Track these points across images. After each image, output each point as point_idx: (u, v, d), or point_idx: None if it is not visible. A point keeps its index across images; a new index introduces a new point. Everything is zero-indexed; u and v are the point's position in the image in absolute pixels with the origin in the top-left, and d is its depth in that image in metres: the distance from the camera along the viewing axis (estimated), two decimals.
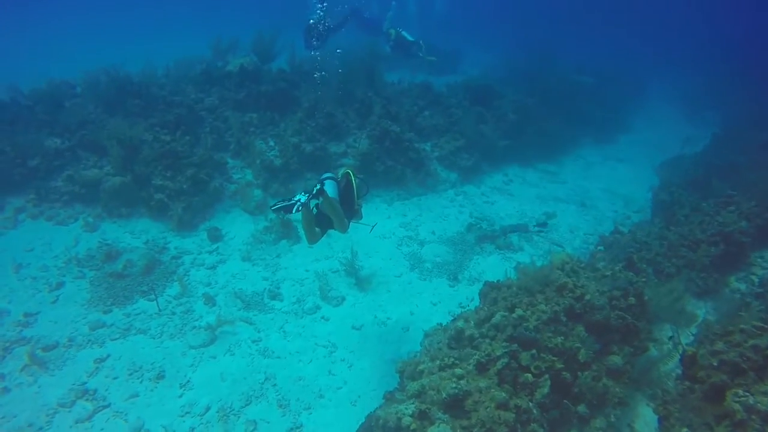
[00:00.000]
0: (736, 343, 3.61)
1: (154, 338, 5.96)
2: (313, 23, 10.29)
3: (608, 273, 5.82)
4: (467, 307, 7.07)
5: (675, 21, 29.23)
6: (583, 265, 5.99)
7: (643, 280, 5.68)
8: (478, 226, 9.11)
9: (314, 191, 4.48)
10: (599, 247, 7.46)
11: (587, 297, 5.02)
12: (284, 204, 4.40)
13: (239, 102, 10.41)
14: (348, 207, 4.90)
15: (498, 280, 5.76)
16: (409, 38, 11.34)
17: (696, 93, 19.63)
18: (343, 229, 4.88)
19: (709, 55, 21.99)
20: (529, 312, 4.98)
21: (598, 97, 16.16)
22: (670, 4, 30.29)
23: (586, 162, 13.63)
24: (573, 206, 10.72)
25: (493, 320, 5.13)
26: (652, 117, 18.39)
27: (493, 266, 8.15)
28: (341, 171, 5.20)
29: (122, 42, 19.87)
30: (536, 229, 8.64)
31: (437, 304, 7.16)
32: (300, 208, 4.38)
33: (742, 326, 3.66)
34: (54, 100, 9.55)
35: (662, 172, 12.48)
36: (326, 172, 5.04)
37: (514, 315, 4.94)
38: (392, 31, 11.32)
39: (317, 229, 4.84)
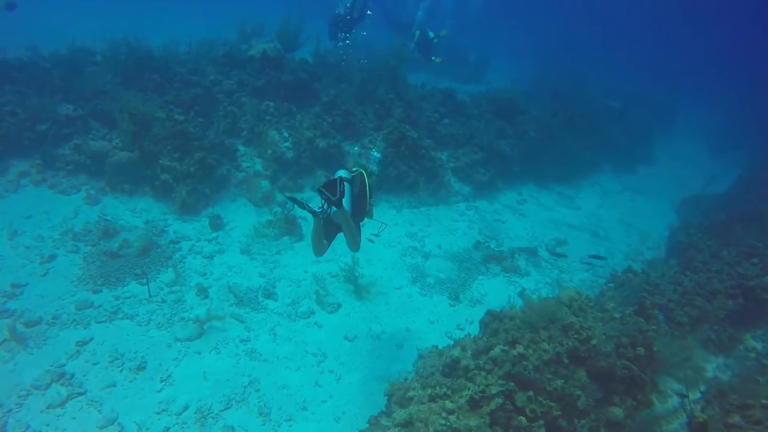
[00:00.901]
0: (755, 420, 3.33)
1: (140, 325, 5.77)
2: (339, 14, 10.08)
3: (617, 316, 5.54)
4: (465, 330, 6.83)
5: (711, 57, 28.62)
6: (591, 303, 5.70)
7: (654, 328, 5.40)
8: (486, 244, 8.84)
9: (328, 201, 4.25)
10: (609, 284, 7.17)
11: (594, 341, 4.74)
12: (299, 201, 4.30)
13: (258, 89, 10.19)
14: (361, 209, 4.72)
15: (501, 310, 5.49)
16: (432, 36, 11.29)
17: (724, 130, 19.17)
18: (356, 248, 4.68)
19: (741, 93, 21.46)
20: (530, 350, 4.72)
21: (623, 124, 15.75)
22: (709, 37, 29.66)
23: (603, 189, 13.29)
24: (586, 235, 10.41)
25: (492, 353, 4.88)
26: (676, 150, 17.95)
27: (497, 289, 7.89)
28: (352, 161, 4.92)
29: (155, 10, 19.76)
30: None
31: (435, 322, 6.92)
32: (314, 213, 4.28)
33: (763, 401, 3.37)
34: (72, 66, 9.39)
35: (682, 211, 12.14)
36: (340, 168, 4.80)
37: (514, 351, 4.68)
38: (417, 32, 11.28)
39: (325, 241, 4.68)
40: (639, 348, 4.73)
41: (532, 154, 11.98)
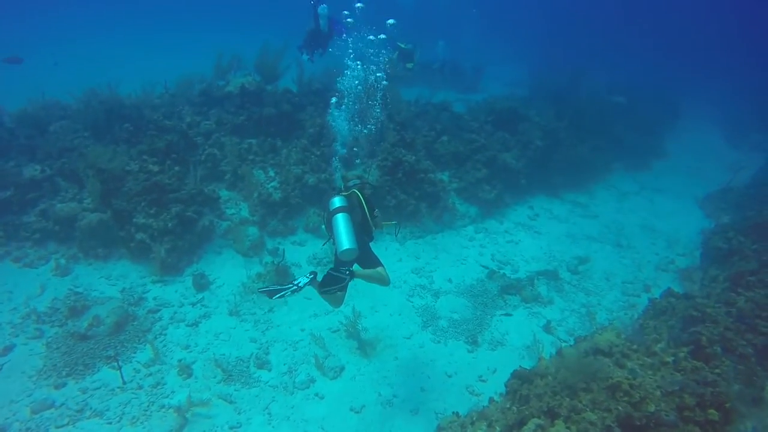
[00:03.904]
0: None
1: (111, 423, 4.94)
2: (311, 30, 9.46)
3: (669, 360, 4.64)
4: (488, 381, 5.95)
5: (716, 31, 27.59)
6: (635, 346, 4.81)
7: (718, 371, 4.48)
8: (501, 273, 7.96)
9: (308, 278, 4.27)
10: (648, 311, 6.24)
11: (650, 408, 3.84)
12: (280, 288, 4.20)
13: (238, 126, 9.50)
14: (367, 230, 4.52)
15: (529, 369, 4.61)
16: (406, 47, 11.30)
17: (736, 113, 18.14)
18: (386, 283, 4.40)
19: (754, 69, 20.45)
20: (572, 426, 3.83)
21: (630, 119, 14.84)
22: (708, 13, 28.68)
23: (619, 192, 12.35)
24: (608, 247, 9.49)
25: (525, 429, 4.01)
26: (688, 139, 16.93)
27: (519, 325, 7.00)
28: (338, 181, 4.92)
29: (135, 53, 19.37)
30: None
31: (453, 376, 6.03)
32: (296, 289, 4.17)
33: None
34: (37, 123, 8.77)
35: (708, 207, 11.20)
36: (334, 195, 4.49)
37: (553, 430, 3.81)
38: (396, 52, 11.34)
39: (339, 292, 4.38)
40: (710, 411, 3.82)
41: (538, 163, 11.14)
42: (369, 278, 4.35)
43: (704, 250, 8.33)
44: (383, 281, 4.36)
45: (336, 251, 4.22)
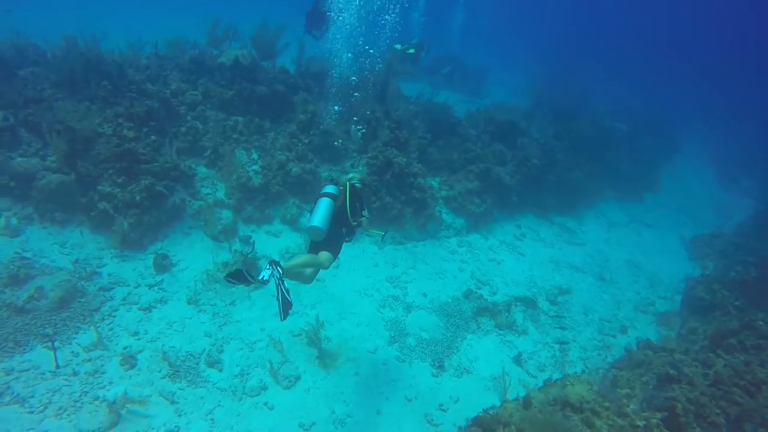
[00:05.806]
0: None
1: (32, 413, 4.50)
2: (315, 8, 9.06)
3: (641, 423, 4.39)
4: (448, 411, 5.66)
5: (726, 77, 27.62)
6: (606, 404, 4.55)
7: None
8: (478, 294, 7.66)
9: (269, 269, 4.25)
10: (624, 360, 6.00)
11: None
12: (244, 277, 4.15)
13: (226, 101, 8.97)
14: (342, 217, 4.69)
15: (492, 414, 4.30)
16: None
17: (732, 156, 18.12)
18: (323, 266, 4.63)
19: (748, 116, 20.46)
20: None
21: (629, 147, 14.62)
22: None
23: (608, 221, 12.16)
24: (590, 278, 9.26)
25: None
26: (682, 175, 16.88)
27: (489, 352, 6.71)
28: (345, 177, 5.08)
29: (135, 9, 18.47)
30: None
31: (413, 400, 5.71)
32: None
33: None
34: (4, 65, 8.09)
35: (694, 250, 11.06)
36: (329, 183, 4.85)
37: None
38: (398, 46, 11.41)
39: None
40: None
41: (533, 181, 10.83)
42: (298, 273, 4.51)
43: (686, 297, 8.15)
44: (319, 265, 4.56)
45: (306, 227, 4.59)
